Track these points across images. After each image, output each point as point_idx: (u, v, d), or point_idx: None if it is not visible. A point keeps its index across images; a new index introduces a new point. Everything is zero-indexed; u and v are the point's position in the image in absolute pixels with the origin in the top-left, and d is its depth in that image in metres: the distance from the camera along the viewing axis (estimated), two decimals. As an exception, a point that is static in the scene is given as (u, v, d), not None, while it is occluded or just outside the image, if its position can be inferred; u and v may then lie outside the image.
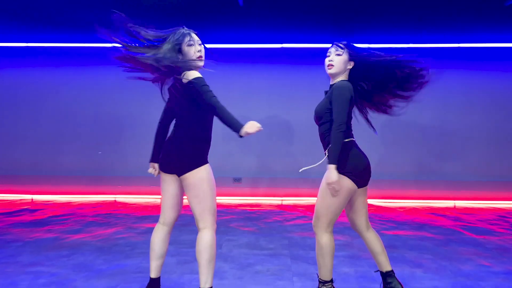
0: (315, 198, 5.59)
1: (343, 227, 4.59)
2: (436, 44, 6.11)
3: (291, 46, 6.19)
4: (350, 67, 2.59)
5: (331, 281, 2.56)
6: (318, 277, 2.61)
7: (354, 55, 2.56)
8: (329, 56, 2.60)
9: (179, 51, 2.48)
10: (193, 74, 2.39)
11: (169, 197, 2.59)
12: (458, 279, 3.17)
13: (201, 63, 2.52)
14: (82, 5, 4.85)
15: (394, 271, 3.18)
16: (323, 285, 2.56)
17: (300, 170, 2.80)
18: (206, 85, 2.35)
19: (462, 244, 4.06)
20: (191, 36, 2.51)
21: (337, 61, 2.55)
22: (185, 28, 2.54)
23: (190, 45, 2.49)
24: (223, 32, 5.80)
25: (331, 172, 2.37)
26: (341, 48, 2.57)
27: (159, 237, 2.62)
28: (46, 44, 6.24)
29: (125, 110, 6.27)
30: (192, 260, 3.52)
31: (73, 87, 6.33)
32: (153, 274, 2.64)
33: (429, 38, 5.95)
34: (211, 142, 2.58)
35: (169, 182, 2.57)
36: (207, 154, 2.55)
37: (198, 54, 2.50)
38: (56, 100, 6.34)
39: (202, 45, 2.56)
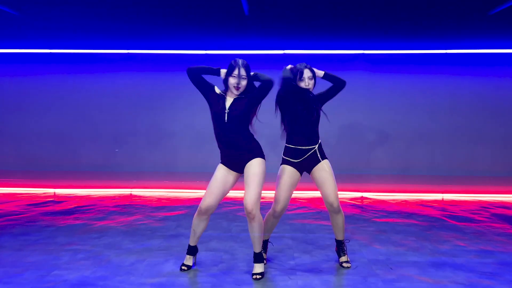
0: (313, 192, 6.15)
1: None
2: (425, 51, 6.64)
3: (292, 52, 6.72)
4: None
5: None
6: (342, 241, 3.48)
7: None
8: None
9: None
10: None
11: None
12: (436, 255, 3.71)
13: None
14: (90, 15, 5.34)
15: (381, 250, 3.76)
16: (345, 240, 3.55)
17: None
18: None
19: (444, 229, 4.59)
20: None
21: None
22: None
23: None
24: (230, 39, 6.34)
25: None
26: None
27: None
28: (68, 50, 6.80)
29: (139, 113, 6.81)
30: (206, 240, 4.06)
31: (92, 92, 6.87)
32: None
33: (418, 45, 6.49)
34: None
35: None
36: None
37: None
38: (76, 103, 6.88)
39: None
